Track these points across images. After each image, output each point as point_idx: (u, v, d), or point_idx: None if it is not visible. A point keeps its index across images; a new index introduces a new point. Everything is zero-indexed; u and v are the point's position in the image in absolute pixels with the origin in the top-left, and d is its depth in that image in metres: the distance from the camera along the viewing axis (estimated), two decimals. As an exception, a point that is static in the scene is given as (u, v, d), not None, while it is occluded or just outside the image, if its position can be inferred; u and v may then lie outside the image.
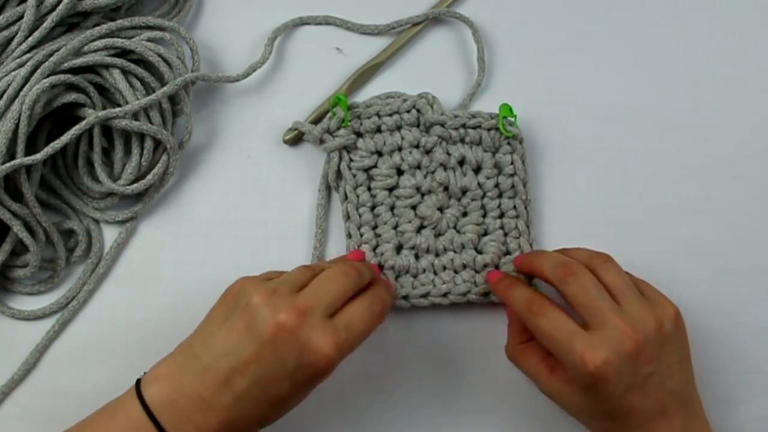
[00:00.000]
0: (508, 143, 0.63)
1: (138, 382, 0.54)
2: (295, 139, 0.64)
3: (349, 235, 0.62)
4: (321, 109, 0.64)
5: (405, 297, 0.62)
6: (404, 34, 0.66)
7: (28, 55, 0.59)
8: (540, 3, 0.68)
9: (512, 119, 0.63)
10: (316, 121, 0.64)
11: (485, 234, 0.63)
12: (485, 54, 0.65)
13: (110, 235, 0.64)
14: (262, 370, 0.51)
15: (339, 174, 0.63)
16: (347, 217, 0.62)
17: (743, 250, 0.65)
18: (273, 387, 0.52)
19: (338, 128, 0.63)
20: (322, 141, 0.63)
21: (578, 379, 0.53)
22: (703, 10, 0.68)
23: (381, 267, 0.62)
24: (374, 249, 0.62)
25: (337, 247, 0.64)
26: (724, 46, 0.67)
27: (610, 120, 0.66)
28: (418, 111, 0.63)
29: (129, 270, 0.64)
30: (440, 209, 0.62)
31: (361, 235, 0.62)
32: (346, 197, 0.63)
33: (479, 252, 0.62)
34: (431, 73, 0.66)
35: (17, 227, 0.59)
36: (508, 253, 0.63)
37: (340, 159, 0.63)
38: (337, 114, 0.62)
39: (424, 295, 0.62)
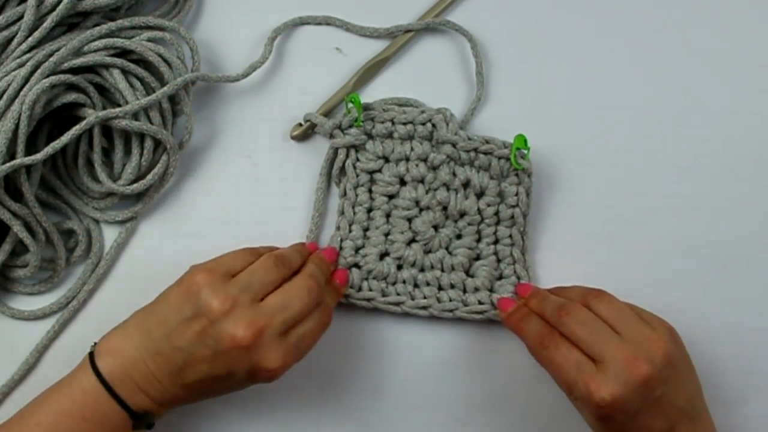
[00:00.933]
0: (516, 174, 0.62)
1: (91, 354, 0.55)
2: (303, 134, 0.64)
3: (338, 228, 0.62)
4: (330, 104, 0.64)
5: (368, 300, 0.62)
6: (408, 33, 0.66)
7: (28, 55, 0.59)
8: (538, 5, 0.67)
9: (525, 151, 0.62)
10: (326, 114, 0.64)
11: (477, 258, 0.62)
12: (484, 65, 0.65)
13: (110, 235, 0.64)
14: (213, 372, 0.54)
15: (343, 170, 0.63)
16: (341, 212, 0.63)
17: (743, 250, 0.65)
18: (220, 385, 0.55)
19: (350, 126, 0.63)
20: (332, 136, 0.63)
21: (588, 410, 0.53)
22: (702, 10, 0.68)
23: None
24: (357, 249, 0.62)
25: (332, 232, 0.63)
26: (724, 46, 0.67)
27: (609, 122, 0.66)
28: (433, 126, 0.63)
29: (129, 270, 0.64)
30: (435, 227, 0.62)
31: (350, 232, 0.62)
32: (345, 194, 0.63)
33: (470, 275, 0.62)
34: (432, 73, 0.66)
35: (17, 227, 0.59)
36: (502, 277, 0.62)
37: (347, 156, 0.62)
38: (351, 112, 0.62)
39: (396, 304, 0.62)
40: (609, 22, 0.67)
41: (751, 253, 0.65)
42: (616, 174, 0.65)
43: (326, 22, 0.66)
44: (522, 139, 0.61)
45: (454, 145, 0.62)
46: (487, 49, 0.66)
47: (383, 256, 0.62)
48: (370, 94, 0.65)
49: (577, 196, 0.65)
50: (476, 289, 0.62)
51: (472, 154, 0.62)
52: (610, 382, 0.51)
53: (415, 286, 0.62)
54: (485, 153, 0.62)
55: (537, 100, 0.66)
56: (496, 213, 0.62)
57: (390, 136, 0.63)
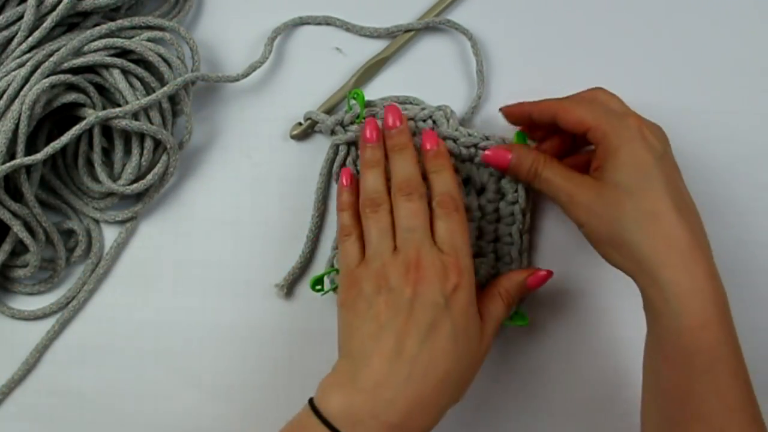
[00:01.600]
0: None
1: (310, 400, 0.53)
2: (303, 133, 0.64)
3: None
4: (330, 102, 0.64)
5: None
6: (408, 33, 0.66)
7: (28, 55, 0.59)
8: (538, 4, 0.67)
9: None
10: (326, 113, 0.64)
11: (477, 255, 0.62)
12: (484, 64, 0.65)
13: (110, 235, 0.64)
14: (420, 320, 0.52)
15: (343, 166, 0.63)
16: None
17: (743, 250, 0.65)
18: (438, 335, 0.52)
19: (351, 123, 0.63)
20: (333, 132, 0.63)
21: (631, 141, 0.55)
22: (703, 10, 0.68)
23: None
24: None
25: (332, 233, 0.64)
26: (725, 46, 0.67)
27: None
28: (434, 122, 0.63)
29: (129, 270, 0.64)
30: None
31: None
32: None
33: None
34: (432, 72, 0.66)
35: (17, 227, 0.59)
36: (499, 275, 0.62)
37: (347, 153, 0.63)
38: (353, 108, 0.62)
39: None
40: (609, 21, 0.67)
41: (751, 253, 0.65)
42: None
43: (326, 22, 0.66)
44: (521, 136, 0.62)
45: (454, 141, 0.62)
46: (487, 48, 0.66)
47: None
48: (370, 93, 0.65)
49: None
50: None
51: (472, 150, 0.62)
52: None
53: None
54: (485, 149, 0.62)
55: (537, 99, 0.66)
56: (496, 210, 0.62)
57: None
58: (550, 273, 0.59)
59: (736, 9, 0.68)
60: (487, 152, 0.60)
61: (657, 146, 0.55)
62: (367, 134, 0.59)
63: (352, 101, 0.63)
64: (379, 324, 0.53)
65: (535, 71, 0.66)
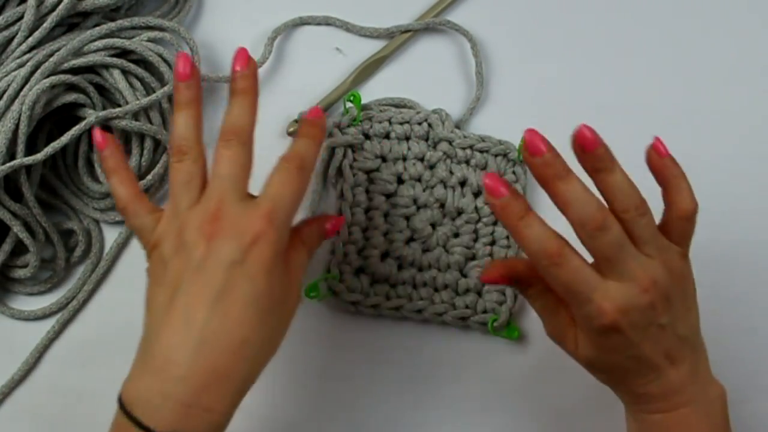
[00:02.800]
0: (513, 172, 0.62)
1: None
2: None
3: (337, 232, 0.62)
4: (327, 101, 0.64)
5: (374, 306, 0.61)
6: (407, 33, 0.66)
7: (28, 56, 0.59)
8: (538, 5, 0.67)
9: None
10: (323, 111, 0.64)
11: (473, 258, 0.62)
12: (483, 65, 0.65)
13: (110, 235, 0.64)
14: (211, 281, 0.46)
15: (339, 171, 0.63)
16: (338, 215, 0.62)
17: (743, 250, 0.65)
18: (231, 298, 0.46)
19: (348, 125, 0.63)
20: (330, 135, 0.63)
21: (593, 329, 0.49)
22: (704, 10, 0.68)
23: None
24: (359, 251, 0.62)
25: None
26: (725, 46, 0.67)
27: (609, 122, 0.65)
28: (429, 125, 0.63)
29: (129, 270, 0.64)
30: (433, 225, 0.62)
31: (350, 234, 0.62)
32: (342, 195, 0.62)
33: (464, 275, 0.62)
34: (431, 72, 0.66)
35: (17, 227, 0.59)
36: None
37: (344, 156, 0.63)
38: (350, 111, 0.62)
39: (397, 308, 0.61)
40: (609, 22, 0.67)
41: (751, 253, 0.65)
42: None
43: (326, 22, 0.66)
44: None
45: (450, 143, 0.62)
46: (486, 48, 0.66)
47: (384, 256, 0.62)
48: (368, 93, 0.65)
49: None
50: (467, 290, 0.61)
51: (468, 152, 0.62)
52: (619, 299, 0.47)
53: (414, 287, 0.62)
54: (481, 151, 0.62)
55: (537, 100, 0.66)
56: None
57: (387, 136, 0.63)
58: (343, 218, 0.58)
59: (736, 9, 0.68)
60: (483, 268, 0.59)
61: (637, 334, 0.48)
62: (180, 69, 0.51)
63: (349, 104, 0.63)
64: (173, 290, 0.47)
65: (535, 72, 0.66)
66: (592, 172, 0.49)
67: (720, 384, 0.53)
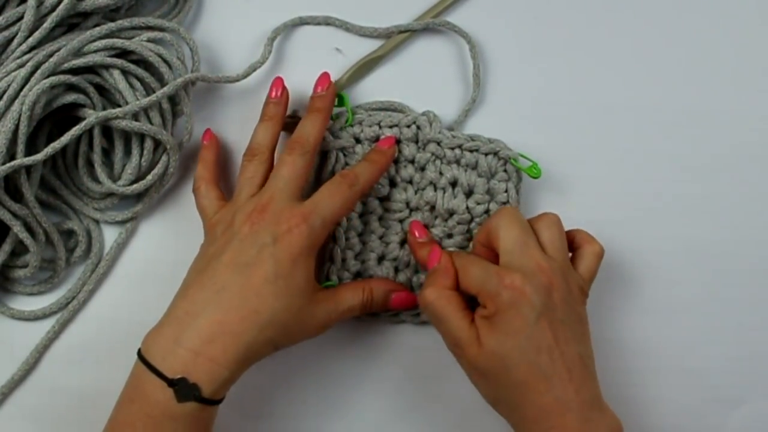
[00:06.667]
0: (505, 170, 0.62)
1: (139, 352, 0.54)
2: (293, 127, 0.63)
3: (335, 239, 0.61)
4: None
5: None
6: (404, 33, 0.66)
7: (28, 56, 0.59)
8: (538, 6, 0.67)
9: (528, 162, 0.61)
10: None
11: None
12: (481, 67, 0.65)
13: (110, 235, 0.64)
14: (243, 255, 0.54)
15: (332, 175, 0.63)
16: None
17: (743, 250, 0.65)
18: (255, 272, 0.53)
19: (341, 128, 0.63)
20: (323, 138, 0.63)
21: (500, 305, 0.52)
22: (705, 10, 0.68)
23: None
24: (356, 255, 0.62)
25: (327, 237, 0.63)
26: (725, 46, 0.67)
27: (608, 124, 0.66)
28: (418, 127, 0.63)
29: (129, 270, 0.64)
30: (426, 227, 0.62)
31: (347, 239, 0.62)
32: None
33: None
34: (429, 73, 0.66)
35: (17, 227, 0.59)
36: None
37: (336, 160, 0.62)
38: (340, 116, 0.62)
39: (395, 313, 0.62)
40: (609, 24, 0.67)
41: (751, 253, 0.65)
42: (615, 176, 0.65)
43: (326, 22, 0.66)
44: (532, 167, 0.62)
45: (438, 144, 0.62)
46: (486, 50, 0.66)
47: (381, 259, 0.62)
48: (365, 92, 0.65)
49: (575, 199, 0.65)
50: None
51: (458, 152, 0.62)
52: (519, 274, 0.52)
53: (411, 288, 0.62)
54: (470, 150, 0.62)
55: (535, 103, 0.66)
56: (487, 211, 0.62)
57: (377, 139, 0.63)
58: (415, 300, 0.60)
59: (736, 9, 0.68)
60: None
61: (536, 304, 0.52)
62: (273, 92, 0.61)
63: (339, 108, 0.62)
64: (209, 259, 0.55)
65: (533, 74, 0.66)
66: None
67: (617, 418, 0.53)
